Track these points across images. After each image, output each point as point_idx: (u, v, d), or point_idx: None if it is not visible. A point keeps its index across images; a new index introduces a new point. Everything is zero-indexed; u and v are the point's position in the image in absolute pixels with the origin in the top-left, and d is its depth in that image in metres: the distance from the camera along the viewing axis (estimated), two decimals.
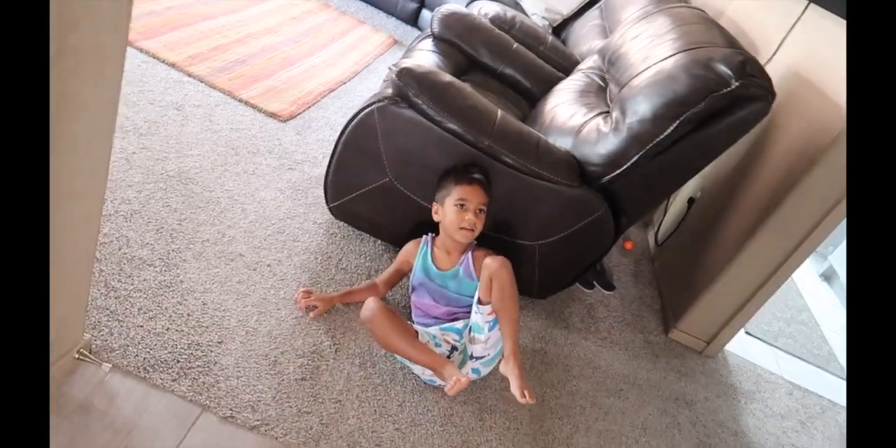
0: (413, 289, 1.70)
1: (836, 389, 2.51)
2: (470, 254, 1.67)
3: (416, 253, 1.70)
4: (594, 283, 2.33)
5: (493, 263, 1.52)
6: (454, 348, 1.57)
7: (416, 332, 1.54)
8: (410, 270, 1.72)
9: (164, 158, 1.88)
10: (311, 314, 1.58)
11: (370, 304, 1.52)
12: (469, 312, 1.62)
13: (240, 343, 1.42)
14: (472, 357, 1.57)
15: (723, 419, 1.99)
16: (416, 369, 1.54)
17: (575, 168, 1.73)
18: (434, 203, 1.69)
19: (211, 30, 2.73)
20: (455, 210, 1.61)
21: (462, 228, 1.61)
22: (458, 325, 1.61)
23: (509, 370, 1.44)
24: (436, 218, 1.68)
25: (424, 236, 1.72)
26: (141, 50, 2.36)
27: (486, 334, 1.53)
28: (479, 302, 1.54)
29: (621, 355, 2.03)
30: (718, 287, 2.12)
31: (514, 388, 1.41)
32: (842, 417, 2.31)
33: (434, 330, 1.58)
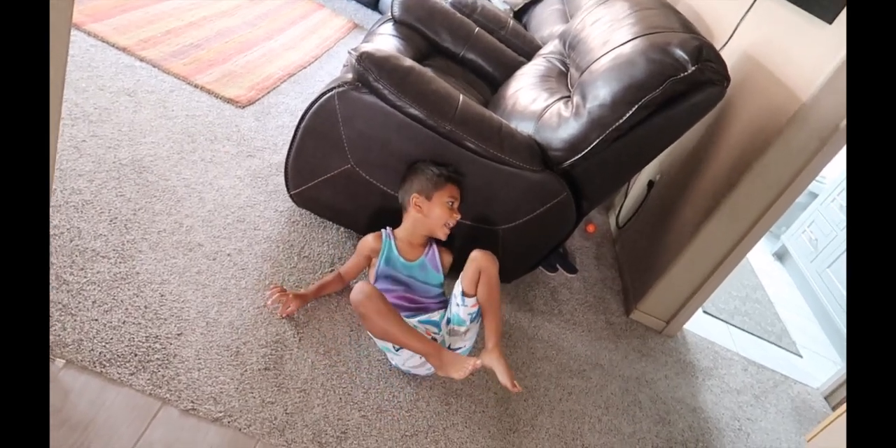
0: (376, 280, 1.68)
1: (788, 364, 2.62)
2: (434, 245, 1.69)
3: (378, 248, 1.66)
4: (557, 266, 2.36)
5: (482, 258, 1.54)
6: (433, 340, 1.57)
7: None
8: (370, 265, 1.71)
9: (116, 146, 1.81)
10: (285, 313, 1.54)
11: (363, 288, 1.47)
12: (435, 302, 1.64)
13: (200, 334, 1.39)
14: (448, 348, 1.58)
15: (681, 396, 2.05)
16: (398, 359, 1.53)
17: (537, 152, 1.74)
18: (414, 194, 1.64)
19: (164, 12, 2.64)
20: (445, 208, 1.63)
21: (445, 225, 1.64)
22: (436, 317, 1.61)
23: (495, 362, 1.47)
24: (414, 210, 1.64)
25: (383, 230, 1.69)
26: (89, 34, 2.27)
27: (468, 326, 1.56)
28: (464, 294, 1.54)
29: (584, 337, 2.07)
30: (677, 268, 2.18)
31: (504, 379, 1.44)
32: (793, 391, 2.41)
33: (413, 322, 1.57)
